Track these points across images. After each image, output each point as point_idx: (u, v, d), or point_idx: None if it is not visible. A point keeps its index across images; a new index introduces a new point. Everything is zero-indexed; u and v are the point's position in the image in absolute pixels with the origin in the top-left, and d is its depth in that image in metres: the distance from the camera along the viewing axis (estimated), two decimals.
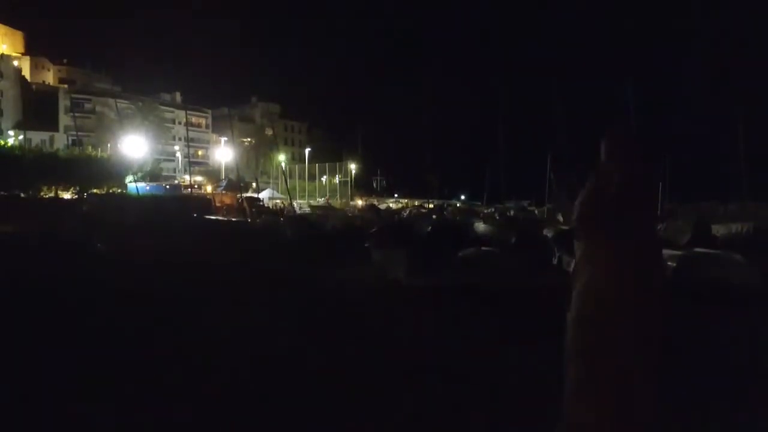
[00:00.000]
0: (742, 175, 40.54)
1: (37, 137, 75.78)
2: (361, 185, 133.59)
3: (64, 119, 77.17)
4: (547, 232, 18.31)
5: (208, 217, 32.97)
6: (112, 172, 40.57)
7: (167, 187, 40.34)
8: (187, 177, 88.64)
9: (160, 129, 78.46)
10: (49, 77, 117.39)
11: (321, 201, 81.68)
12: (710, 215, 33.34)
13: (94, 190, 38.74)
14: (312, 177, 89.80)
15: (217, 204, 39.71)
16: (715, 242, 17.46)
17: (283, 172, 69.56)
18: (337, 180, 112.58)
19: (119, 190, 40.70)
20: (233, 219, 33.23)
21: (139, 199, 36.33)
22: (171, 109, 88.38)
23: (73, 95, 77.82)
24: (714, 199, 49.65)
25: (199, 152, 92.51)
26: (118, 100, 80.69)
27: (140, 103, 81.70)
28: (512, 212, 42.79)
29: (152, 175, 43.39)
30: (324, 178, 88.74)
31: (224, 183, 41.67)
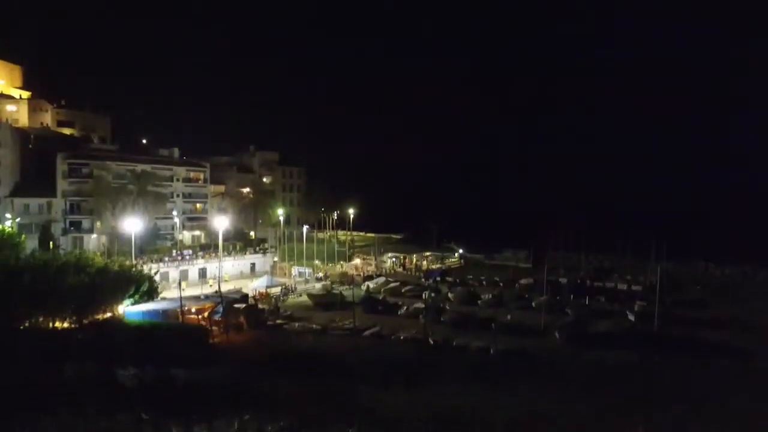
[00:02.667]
0: None
1: (35, 203, 75.94)
2: (361, 225, 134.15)
3: (62, 184, 77.15)
4: None
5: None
6: (107, 292, 40.54)
7: (162, 311, 40.18)
8: (186, 233, 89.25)
9: (158, 199, 78.45)
10: (48, 119, 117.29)
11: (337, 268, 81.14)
12: None
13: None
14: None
15: (215, 334, 39.70)
16: None
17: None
18: (335, 241, 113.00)
19: (117, 314, 40.68)
20: None
21: (135, 334, 36.34)
22: (169, 167, 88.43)
23: (71, 161, 78.06)
24: None
25: (198, 206, 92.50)
26: (116, 163, 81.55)
27: (138, 167, 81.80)
28: None
29: (148, 292, 43.19)
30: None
31: (221, 308, 41.45)
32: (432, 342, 40.97)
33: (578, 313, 53.72)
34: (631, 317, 51.33)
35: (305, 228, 78.89)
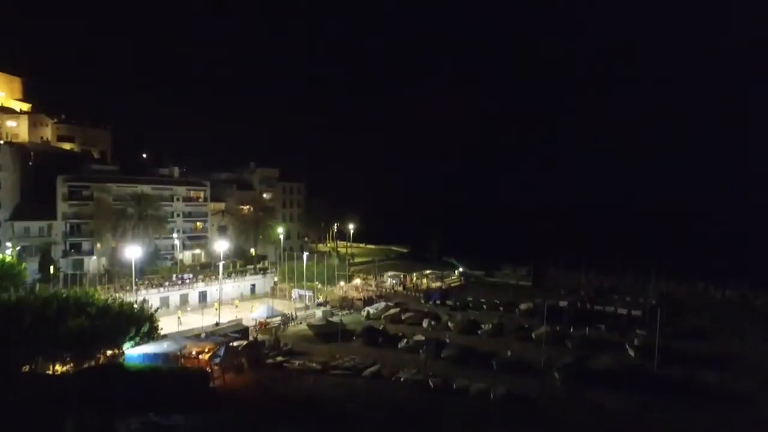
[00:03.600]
0: None
1: (35, 226, 75.98)
2: (361, 237, 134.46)
3: (62, 206, 77.17)
4: None
5: None
6: (107, 335, 40.57)
7: (163, 354, 40.25)
8: (186, 252, 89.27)
9: (158, 222, 78.51)
10: (48, 133, 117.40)
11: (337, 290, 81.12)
12: None
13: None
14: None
15: (215, 376, 39.70)
16: None
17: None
18: (335, 253, 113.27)
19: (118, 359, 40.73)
20: None
21: (135, 380, 36.37)
22: (169, 187, 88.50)
23: (71, 183, 78.08)
24: None
25: (198, 225, 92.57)
26: (117, 185, 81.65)
27: (139, 188, 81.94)
28: None
29: (149, 332, 43.21)
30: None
31: (222, 352, 41.44)
32: (432, 384, 40.97)
33: (578, 345, 53.95)
34: (631, 352, 51.38)
35: (305, 254, 78.66)
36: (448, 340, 53.67)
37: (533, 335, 56.10)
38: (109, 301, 45.28)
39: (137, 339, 41.89)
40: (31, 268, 71.24)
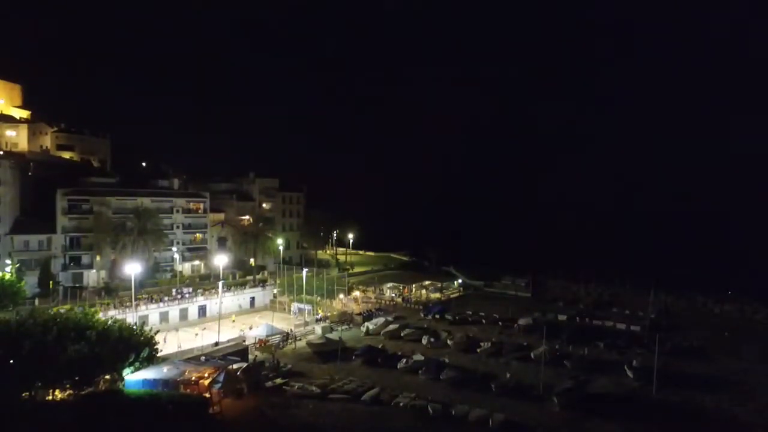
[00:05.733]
0: None
1: (35, 240, 75.98)
2: (361, 244, 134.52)
3: (62, 220, 77.17)
4: None
5: None
6: (107, 361, 40.64)
7: (162, 381, 40.30)
8: (185, 264, 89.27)
9: (158, 236, 78.54)
10: (47, 142, 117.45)
11: (336, 303, 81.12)
12: None
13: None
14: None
15: (214, 402, 39.76)
16: None
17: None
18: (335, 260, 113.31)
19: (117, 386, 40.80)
20: None
21: (135, 409, 36.45)
22: (169, 199, 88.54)
23: (71, 197, 78.10)
24: None
25: (197, 236, 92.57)
26: (116, 198, 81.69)
27: (138, 200, 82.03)
28: None
29: (148, 358, 43.30)
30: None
31: (221, 377, 41.46)
32: (431, 410, 41.02)
33: (577, 365, 54.05)
34: (630, 373, 51.46)
35: (305, 271, 78.71)
36: (447, 360, 53.76)
37: (532, 355, 56.17)
38: (109, 324, 45.29)
39: (137, 364, 41.91)
40: (30, 281, 71.55)
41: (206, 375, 42.37)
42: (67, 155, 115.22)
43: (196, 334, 61.93)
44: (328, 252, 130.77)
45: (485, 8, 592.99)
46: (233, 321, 71.40)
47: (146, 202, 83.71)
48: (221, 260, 71.31)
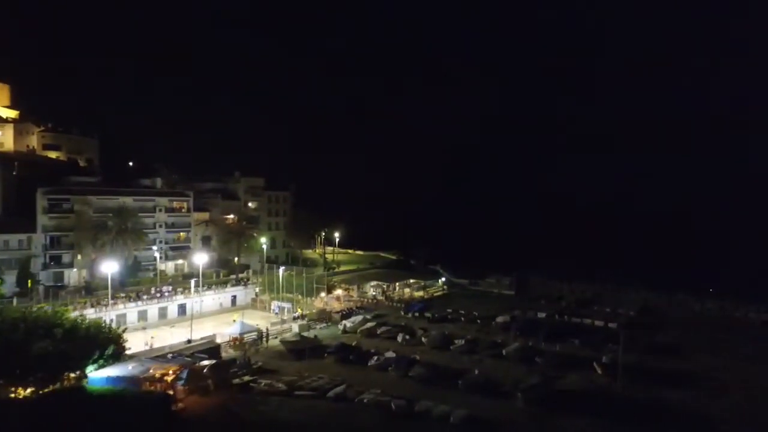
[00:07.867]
0: None
1: (15, 239, 76.00)
2: (348, 243, 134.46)
3: (42, 219, 77.24)
4: None
5: None
6: (73, 358, 40.73)
7: (126, 378, 40.39)
8: (168, 263, 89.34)
9: (139, 235, 78.64)
10: (34, 141, 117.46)
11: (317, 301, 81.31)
12: None
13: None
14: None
15: (179, 399, 39.91)
16: None
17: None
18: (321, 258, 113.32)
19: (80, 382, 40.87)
20: None
21: (97, 407, 36.53)
22: (152, 198, 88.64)
23: (51, 197, 78.15)
24: None
25: (181, 235, 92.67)
26: (98, 197, 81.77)
27: (120, 200, 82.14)
28: None
29: (114, 355, 43.39)
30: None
31: (184, 374, 41.57)
32: (394, 407, 41.08)
33: (549, 362, 54.12)
34: (599, 370, 51.57)
35: (281, 269, 78.86)
36: (418, 358, 53.88)
37: (504, 352, 56.29)
38: (78, 320, 45.41)
39: (101, 362, 41.99)
40: (9, 281, 71.71)
41: (171, 372, 42.54)
42: (53, 155, 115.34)
43: (172, 326, 62.19)
44: (317, 251, 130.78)
45: (484, 11, 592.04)
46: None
47: (128, 201, 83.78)
48: (201, 259, 71.46)
